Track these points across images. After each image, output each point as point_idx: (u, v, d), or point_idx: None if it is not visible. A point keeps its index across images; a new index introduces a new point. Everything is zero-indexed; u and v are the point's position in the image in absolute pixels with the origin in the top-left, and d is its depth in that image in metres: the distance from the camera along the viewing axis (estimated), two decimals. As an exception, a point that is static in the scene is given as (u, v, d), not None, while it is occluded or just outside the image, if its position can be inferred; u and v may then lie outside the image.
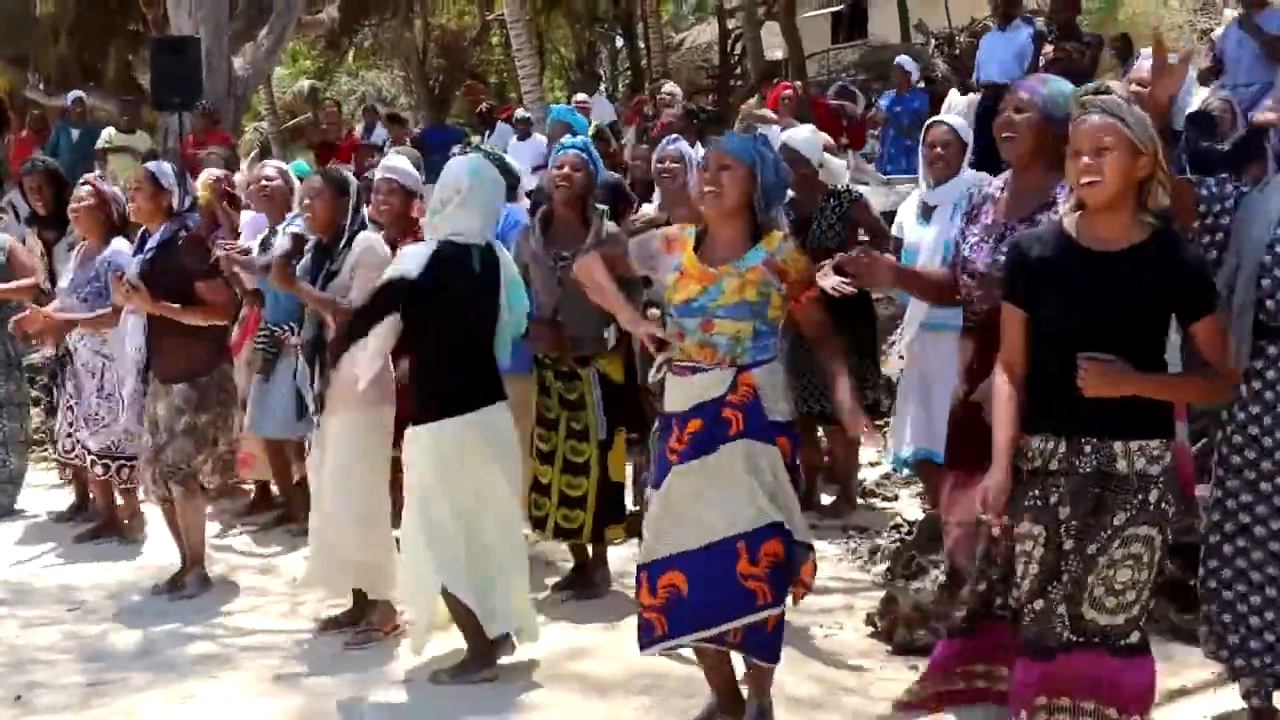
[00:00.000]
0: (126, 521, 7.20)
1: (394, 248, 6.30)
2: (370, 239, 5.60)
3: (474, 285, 4.95)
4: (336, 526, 5.43)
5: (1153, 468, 3.62)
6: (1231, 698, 4.41)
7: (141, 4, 20.10)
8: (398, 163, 6.57)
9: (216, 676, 5.26)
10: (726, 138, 4.40)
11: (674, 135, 6.40)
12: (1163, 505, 3.64)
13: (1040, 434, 3.68)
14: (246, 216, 7.70)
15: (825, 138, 7.39)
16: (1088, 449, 3.62)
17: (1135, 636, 3.71)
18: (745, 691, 4.36)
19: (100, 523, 7.28)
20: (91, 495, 7.50)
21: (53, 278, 7.52)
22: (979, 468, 3.83)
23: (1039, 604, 3.70)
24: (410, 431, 5.01)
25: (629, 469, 6.00)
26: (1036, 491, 3.69)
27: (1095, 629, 3.67)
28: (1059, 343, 3.59)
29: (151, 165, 6.47)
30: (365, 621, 5.59)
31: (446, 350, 4.96)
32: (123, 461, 6.89)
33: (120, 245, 6.74)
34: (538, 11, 25.97)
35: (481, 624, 4.99)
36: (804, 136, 6.90)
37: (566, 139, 6.10)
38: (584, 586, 5.99)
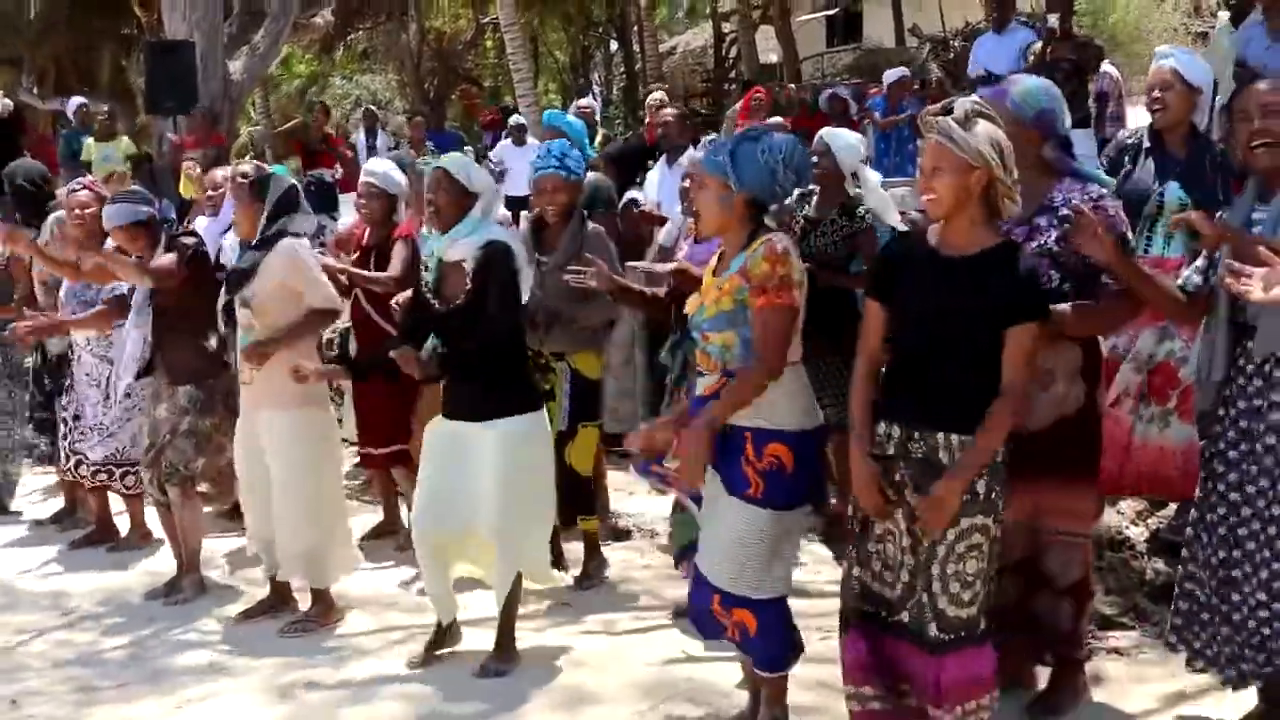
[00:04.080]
0: (131, 531, 7.15)
1: (379, 251, 6.44)
2: (290, 244, 5.65)
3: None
4: (281, 519, 5.66)
5: None
6: (1230, 701, 4.39)
7: (136, 7, 20.07)
8: (377, 166, 6.74)
9: (211, 683, 5.24)
10: (701, 154, 4.31)
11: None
12: (992, 496, 3.75)
13: (883, 420, 3.88)
14: (203, 222, 7.61)
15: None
16: (917, 436, 3.79)
17: (983, 624, 3.80)
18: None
19: (92, 530, 7.25)
20: (79, 500, 7.51)
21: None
22: None
23: (915, 596, 3.80)
24: (515, 421, 5.07)
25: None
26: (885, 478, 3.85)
27: (957, 623, 3.76)
28: (904, 337, 3.87)
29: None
30: (304, 613, 5.83)
31: (517, 347, 5.20)
32: (127, 468, 6.86)
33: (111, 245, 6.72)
34: (532, 15, 25.97)
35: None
36: (845, 139, 6.59)
37: (539, 158, 6.10)
38: (580, 577, 6.11)
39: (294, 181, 5.94)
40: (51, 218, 7.40)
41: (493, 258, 5.00)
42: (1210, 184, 5.36)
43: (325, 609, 5.82)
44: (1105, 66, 12.71)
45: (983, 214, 3.77)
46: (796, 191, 4.30)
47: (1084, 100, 10.02)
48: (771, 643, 4.21)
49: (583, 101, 14.95)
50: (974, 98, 3.91)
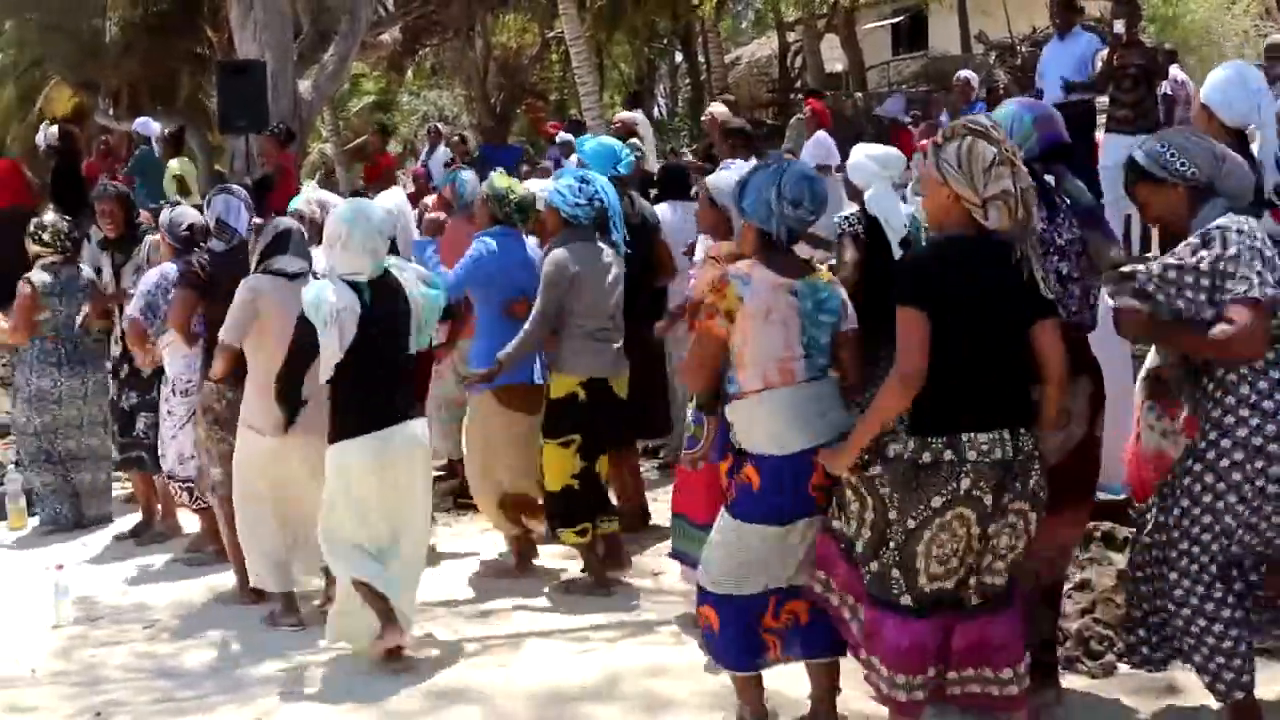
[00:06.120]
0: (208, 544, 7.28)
1: None
2: (243, 283, 5.92)
3: (364, 317, 5.24)
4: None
5: None
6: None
7: (208, 28, 20.40)
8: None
9: (291, 694, 5.32)
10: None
11: (727, 162, 6.35)
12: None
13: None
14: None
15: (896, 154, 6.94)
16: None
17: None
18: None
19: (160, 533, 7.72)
20: (155, 513, 7.84)
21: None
22: None
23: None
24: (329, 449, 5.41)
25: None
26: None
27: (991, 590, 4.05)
28: None
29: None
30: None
31: (349, 376, 5.28)
32: (179, 484, 7.14)
33: (168, 268, 6.96)
34: (598, 29, 26.07)
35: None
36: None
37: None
38: (591, 585, 6.30)
39: (289, 225, 6.11)
40: (148, 240, 7.61)
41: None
42: None
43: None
44: (1174, 71, 12.51)
45: (968, 224, 3.90)
46: (811, 217, 4.34)
47: (1153, 106, 9.89)
48: (724, 640, 4.39)
49: (623, 115, 14.53)
50: (965, 119, 4.01)
